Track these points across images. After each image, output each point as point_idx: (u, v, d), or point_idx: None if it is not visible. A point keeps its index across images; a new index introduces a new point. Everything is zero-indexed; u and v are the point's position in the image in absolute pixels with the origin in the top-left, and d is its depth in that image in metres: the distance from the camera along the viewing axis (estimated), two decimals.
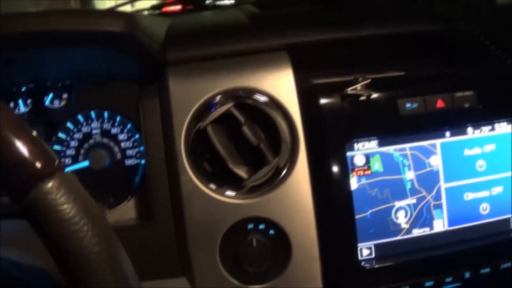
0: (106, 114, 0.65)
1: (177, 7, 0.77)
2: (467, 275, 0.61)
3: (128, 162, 0.65)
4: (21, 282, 0.41)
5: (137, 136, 0.65)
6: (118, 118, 0.65)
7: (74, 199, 0.32)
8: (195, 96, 0.58)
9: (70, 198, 0.32)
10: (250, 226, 0.57)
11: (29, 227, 0.40)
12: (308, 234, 0.57)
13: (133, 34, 0.52)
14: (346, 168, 0.58)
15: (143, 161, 0.64)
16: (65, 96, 0.66)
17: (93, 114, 0.65)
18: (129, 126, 0.65)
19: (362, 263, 0.59)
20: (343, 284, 0.59)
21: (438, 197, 0.60)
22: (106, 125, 0.65)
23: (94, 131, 0.65)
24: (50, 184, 0.31)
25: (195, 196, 0.57)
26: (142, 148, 0.64)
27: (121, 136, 0.65)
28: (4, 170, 0.31)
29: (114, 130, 0.65)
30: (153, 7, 0.79)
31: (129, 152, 0.65)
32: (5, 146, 0.31)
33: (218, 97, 0.58)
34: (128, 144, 0.64)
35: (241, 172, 0.57)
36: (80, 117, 0.65)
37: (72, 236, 0.31)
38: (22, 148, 0.31)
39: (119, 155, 0.65)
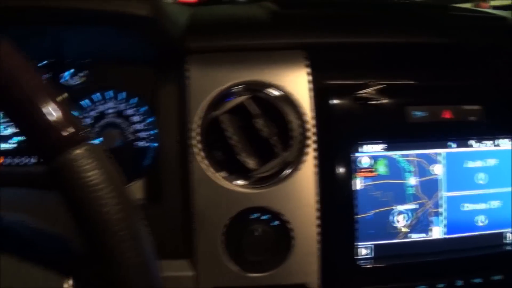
0: (122, 95, 0.66)
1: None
2: (459, 283, 0.62)
3: (140, 144, 0.66)
4: (33, 244, 0.42)
5: (151, 119, 0.66)
6: (134, 100, 0.66)
7: (100, 167, 0.33)
8: (212, 85, 0.59)
9: (97, 166, 0.33)
10: (255, 215, 0.59)
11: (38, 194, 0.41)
12: (309, 229, 0.59)
13: (157, 19, 0.53)
14: (349, 168, 0.59)
15: (154, 144, 0.65)
16: (83, 74, 0.67)
17: (109, 94, 0.66)
18: (144, 108, 0.66)
19: (359, 261, 0.60)
20: (338, 280, 0.61)
21: (437, 205, 0.62)
22: (121, 106, 0.66)
23: (109, 111, 0.66)
24: (79, 151, 0.32)
25: (204, 182, 0.58)
26: (155, 132, 0.65)
27: (135, 118, 0.66)
28: (35, 132, 0.32)
29: (128, 112, 0.66)
30: None
31: (141, 135, 0.66)
32: (38, 108, 0.32)
33: (234, 89, 0.60)
34: (142, 126, 0.66)
35: (251, 163, 0.58)
36: (96, 96, 0.66)
37: (95, 202, 0.32)
38: (55, 112, 0.32)
39: (131, 137, 0.66)
